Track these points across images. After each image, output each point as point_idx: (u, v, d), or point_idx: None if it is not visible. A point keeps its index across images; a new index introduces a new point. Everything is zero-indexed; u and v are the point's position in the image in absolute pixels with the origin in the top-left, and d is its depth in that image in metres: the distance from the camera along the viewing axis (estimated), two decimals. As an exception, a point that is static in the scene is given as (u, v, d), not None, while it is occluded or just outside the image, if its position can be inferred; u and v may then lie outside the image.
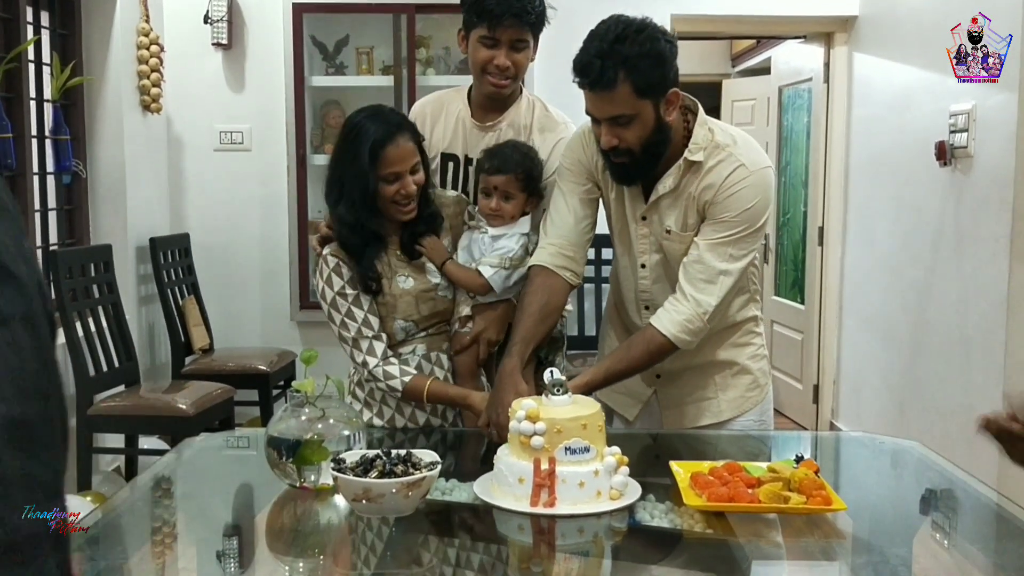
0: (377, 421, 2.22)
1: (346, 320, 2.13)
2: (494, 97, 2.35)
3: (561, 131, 2.39)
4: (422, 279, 2.20)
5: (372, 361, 2.12)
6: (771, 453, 2.21)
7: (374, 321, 2.14)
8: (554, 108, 2.47)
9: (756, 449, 2.19)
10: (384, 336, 2.16)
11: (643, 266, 2.16)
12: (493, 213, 2.23)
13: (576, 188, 2.18)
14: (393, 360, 2.14)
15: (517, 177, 2.22)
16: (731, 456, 1.93)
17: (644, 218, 2.12)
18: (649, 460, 2.03)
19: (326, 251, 2.15)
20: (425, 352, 2.20)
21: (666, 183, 2.05)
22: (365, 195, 2.08)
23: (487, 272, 2.19)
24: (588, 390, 2.02)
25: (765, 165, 2.07)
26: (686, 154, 2.03)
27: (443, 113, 2.45)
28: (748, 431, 2.22)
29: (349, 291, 2.13)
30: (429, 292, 2.20)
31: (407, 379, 2.12)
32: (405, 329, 2.18)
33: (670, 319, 2.03)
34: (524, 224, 2.26)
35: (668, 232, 2.09)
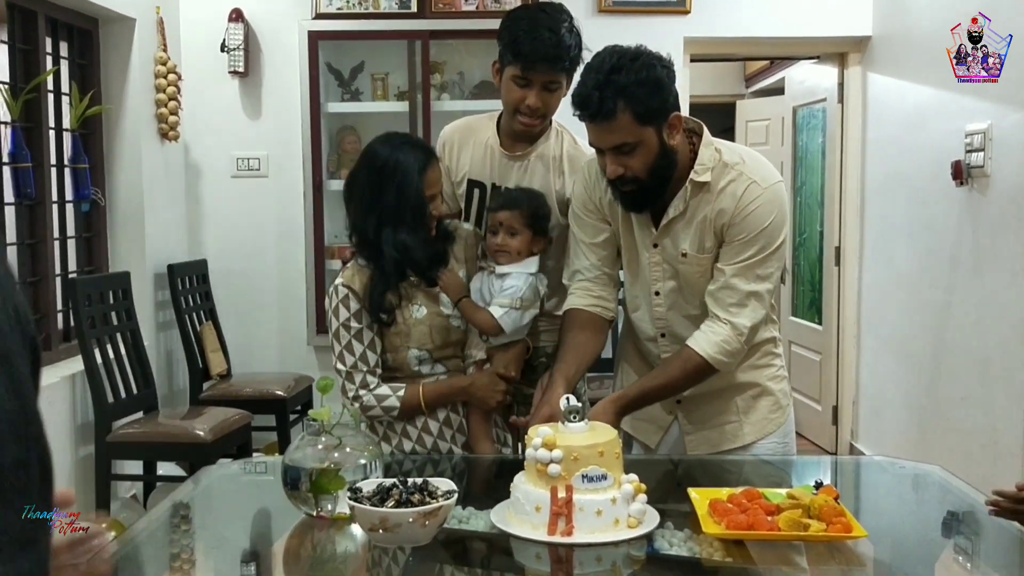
0: (385, 447, 2.23)
1: (344, 352, 2.17)
2: (521, 134, 2.38)
3: (584, 161, 2.39)
4: (435, 308, 2.22)
5: (364, 393, 2.16)
6: (792, 479, 2.19)
7: (371, 357, 2.17)
8: (582, 140, 2.48)
9: (777, 475, 2.17)
10: (379, 372, 2.19)
11: (657, 293, 2.15)
12: (499, 249, 2.25)
13: (589, 227, 2.19)
14: (382, 384, 2.17)
15: (522, 213, 2.24)
16: (752, 482, 1.92)
17: (656, 245, 2.11)
18: (668, 487, 2.01)
19: (338, 281, 2.18)
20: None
21: (676, 207, 2.05)
22: (422, 217, 2.15)
23: (497, 313, 2.21)
24: (622, 405, 2.01)
25: (776, 180, 2.07)
26: (692, 175, 2.03)
27: (472, 140, 2.47)
28: (772, 454, 2.20)
29: (353, 324, 2.16)
30: (443, 321, 2.22)
31: (401, 393, 2.16)
32: (419, 358, 2.20)
33: (707, 340, 2.02)
34: (531, 264, 2.27)
35: (684, 255, 2.08)
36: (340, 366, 2.18)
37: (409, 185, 2.13)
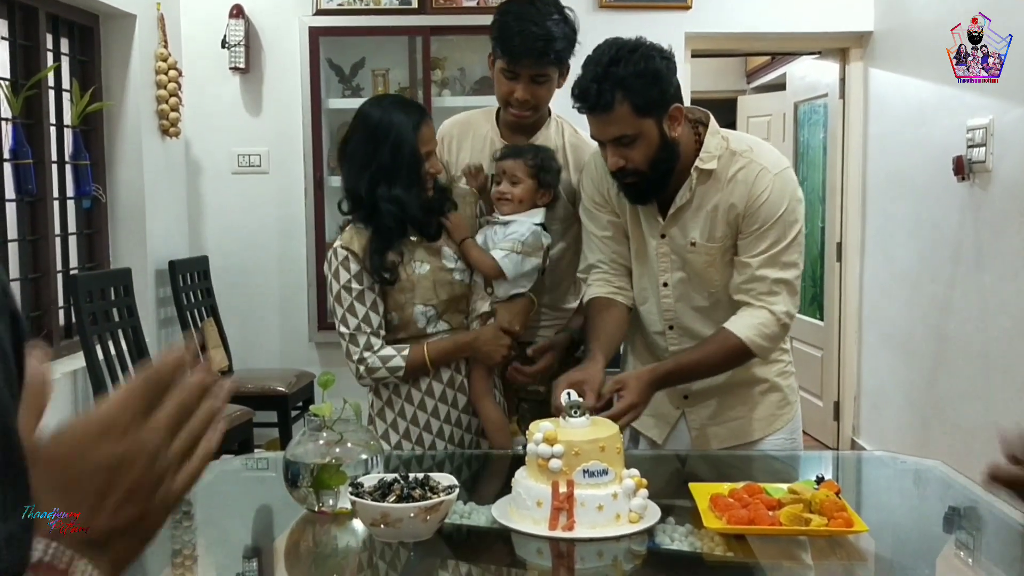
0: (406, 444, 2.23)
1: (346, 315, 2.16)
2: (517, 125, 2.40)
3: (590, 150, 2.43)
4: (438, 263, 2.24)
5: (368, 354, 2.15)
6: (797, 475, 2.18)
7: (374, 318, 2.16)
8: (584, 131, 2.49)
9: (784, 471, 2.16)
10: (383, 334, 2.18)
11: (665, 284, 2.15)
12: (501, 197, 2.28)
13: (600, 221, 2.20)
14: (386, 345, 2.17)
15: (525, 162, 2.28)
16: (758, 479, 1.91)
17: (663, 236, 2.11)
18: (670, 482, 2.01)
19: (336, 244, 2.19)
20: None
21: (683, 195, 2.05)
22: (417, 173, 2.16)
23: (499, 255, 2.23)
24: (657, 376, 2.00)
25: (786, 166, 2.07)
26: (697, 163, 2.03)
27: (471, 134, 2.49)
28: (779, 451, 2.19)
29: (355, 286, 2.15)
30: (446, 275, 2.23)
31: (406, 353, 2.16)
32: (425, 314, 2.20)
33: (744, 323, 2.01)
34: (536, 215, 2.30)
35: (693, 244, 2.07)
36: (343, 329, 2.17)
37: (403, 142, 2.15)
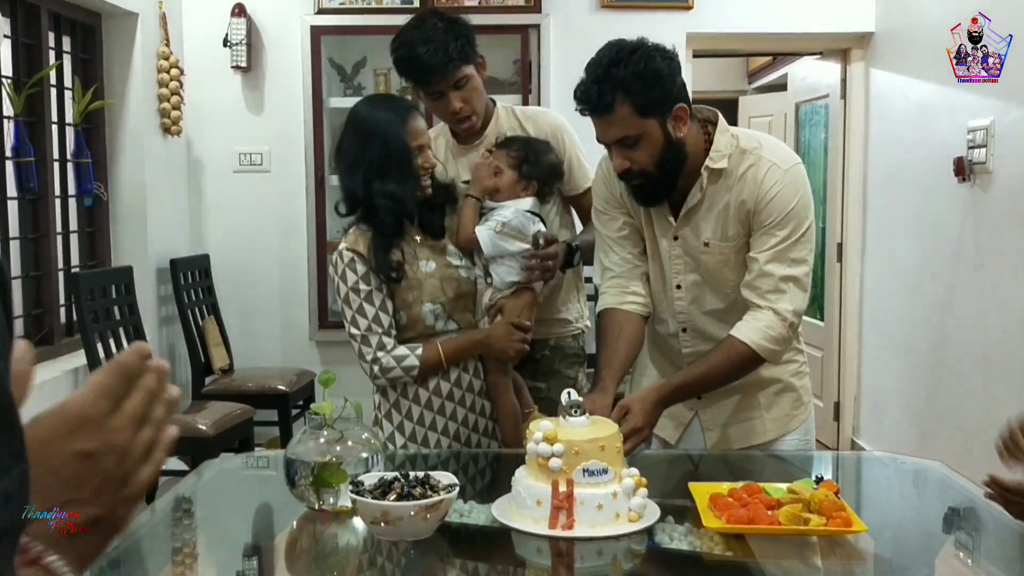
0: (411, 445, 2.23)
1: (356, 316, 2.15)
2: (472, 133, 2.49)
3: (548, 116, 2.57)
4: (443, 260, 2.25)
5: (382, 355, 2.15)
6: (801, 474, 2.17)
7: (385, 319, 2.16)
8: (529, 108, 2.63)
9: (793, 472, 2.13)
10: (394, 333, 2.18)
11: (678, 287, 2.13)
12: (490, 185, 2.34)
13: (613, 224, 2.19)
14: (398, 345, 2.18)
15: (507, 154, 2.33)
16: (768, 480, 1.90)
17: (676, 237, 2.10)
18: (671, 482, 2.01)
19: (342, 246, 2.18)
20: None
21: (694, 195, 2.04)
22: (409, 166, 2.17)
23: (478, 229, 2.27)
24: (664, 394, 2.00)
25: (796, 162, 2.06)
26: (707, 162, 2.02)
27: (433, 147, 2.52)
28: (793, 451, 2.18)
29: (363, 287, 2.15)
30: (452, 272, 2.24)
31: (419, 351, 2.16)
32: (434, 312, 2.20)
33: (749, 327, 1.99)
34: (525, 203, 2.34)
35: (706, 245, 2.06)
36: (354, 331, 2.16)
37: (393, 137, 2.16)
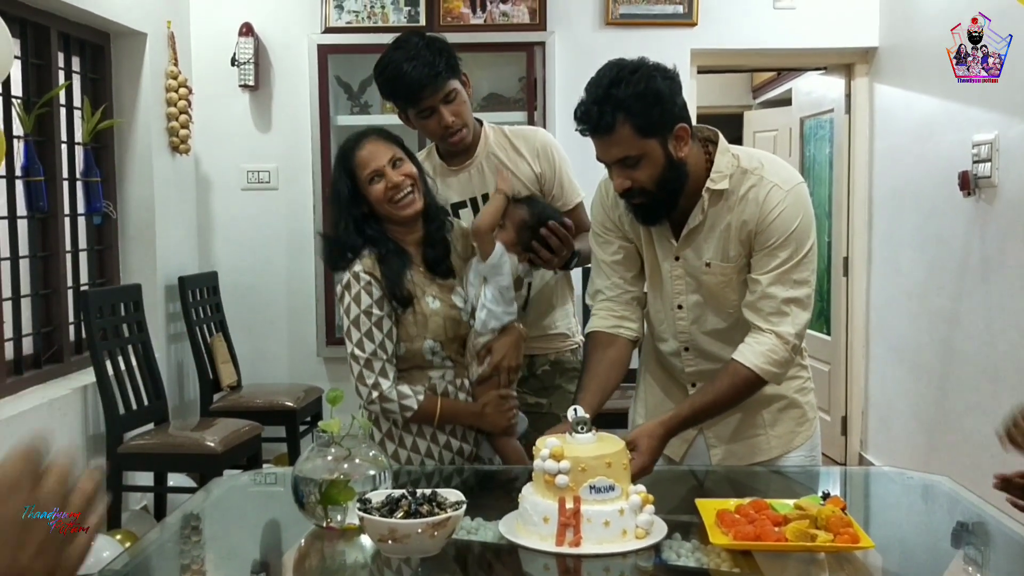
0: (402, 453, 2.24)
1: (364, 340, 2.16)
2: (462, 149, 2.47)
3: (538, 134, 2.56)
4: (448, 300, 2.25)
5: (385, 382, 2.16)
6: (807, 490, 2.17)
7: (390, 346, 2.18)
8: (517, 128, 2.61)
9: (799, 490, 2.13)
10: (395, 363, 2.20)
11: (680, 307, 2.13)
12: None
13: (608, 248, 2.19)
14: (403, 383, 2.19)
15: (518, 211, 2.34)
16: (774, 495, 1.90)
17: (677, 258, 2.10)
18: (679, 499, 2.01)
19: (357, 269, 2.18)
20: (452, 379, 2.26)
21: (695, 217, 2.04)
22: (358, 204, 2.18)
23: (482, 307, 2.26)
24: (671, 426, 1.98)
25: (798, 182, 2.05)
26: (708, 183, 2.02)
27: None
28: (798, 468, 2.18)
29: (375, 311, 2.16)
30: (455, 314, 2.25)
31: (420, 398, 2.17)
32: (432, 349, 2.22)
33: (752, 351, 1.99)
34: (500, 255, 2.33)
35: (708, 265, 2.06)
36: (358, 352, 2.16)
37: (340, 178, 2.19)
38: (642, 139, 1.92)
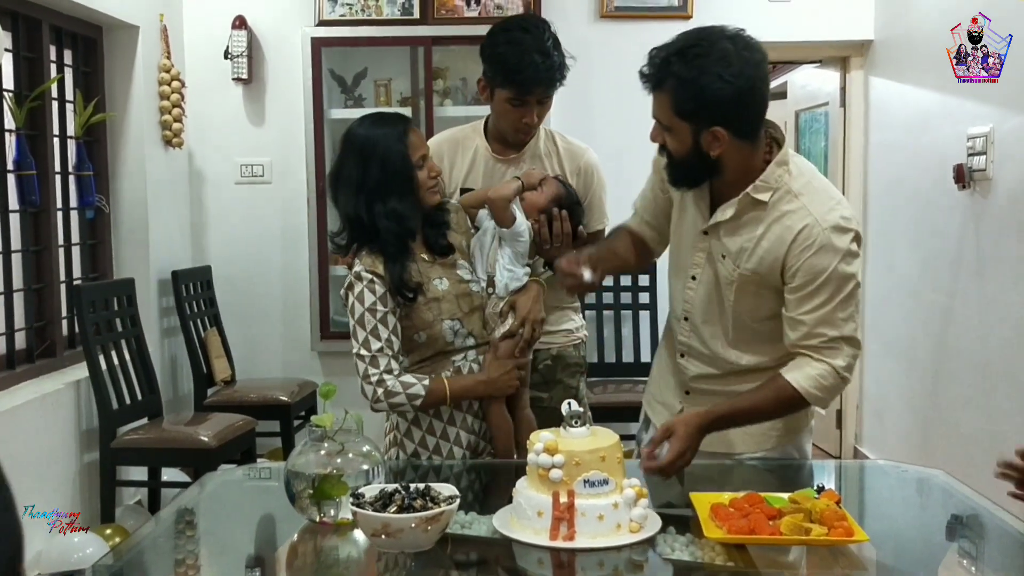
0: (422, 452, 2.24)
1: (369, 337, 2.14)
2: (521, 144, 2.47)
3: (587, 154, 2.55)
4: (455, 277, 2.26)
5: (389, 377, 2.15)
6: (802, 483, 2.17)
7: (395, 342, 2.17)
8: (571, 136, 2.60)
9: (790, 481, 2.13)
10: (401, 360, 2.19)
11: (693, 278, 2.13)
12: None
13: (657, 180, 2.23)
14: (404, 372, 2.18)
15: (549, 190, 2.37)
16: (764, 487, 1.89)
17: (706, 232, 2.08)
18: (672, 492, 2.00)
19: (359, 268, 2.17)
20: (475, 357, 2.27)
21: (724, 211, 2.02)
22: (410, 183, 2.18)
23: (501, 272, 2.32)
24: (709, 421, 1.97)
25: (834, 224, 1.94)
26: (750, 189, 1.98)
27: (459, 150, 2.51)
28: (790, 460, 2.18)
29: (379, 308, 2.15)
30: (464, 287, 2.26)
31: (426, 382, 2.16)
32: (453, 329, 2.22)
33: (803, 373, 1.96)
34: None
35: (723, 257, 2.05)
36: (364, 351, 2.14)
37: (395, 153, 2.16)
38: (675, 116, 1.93)
